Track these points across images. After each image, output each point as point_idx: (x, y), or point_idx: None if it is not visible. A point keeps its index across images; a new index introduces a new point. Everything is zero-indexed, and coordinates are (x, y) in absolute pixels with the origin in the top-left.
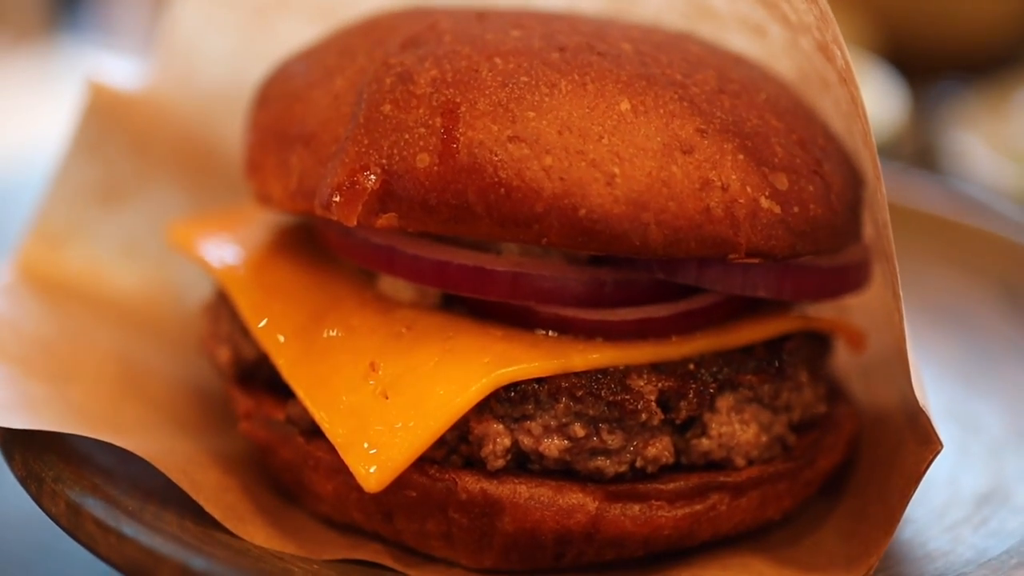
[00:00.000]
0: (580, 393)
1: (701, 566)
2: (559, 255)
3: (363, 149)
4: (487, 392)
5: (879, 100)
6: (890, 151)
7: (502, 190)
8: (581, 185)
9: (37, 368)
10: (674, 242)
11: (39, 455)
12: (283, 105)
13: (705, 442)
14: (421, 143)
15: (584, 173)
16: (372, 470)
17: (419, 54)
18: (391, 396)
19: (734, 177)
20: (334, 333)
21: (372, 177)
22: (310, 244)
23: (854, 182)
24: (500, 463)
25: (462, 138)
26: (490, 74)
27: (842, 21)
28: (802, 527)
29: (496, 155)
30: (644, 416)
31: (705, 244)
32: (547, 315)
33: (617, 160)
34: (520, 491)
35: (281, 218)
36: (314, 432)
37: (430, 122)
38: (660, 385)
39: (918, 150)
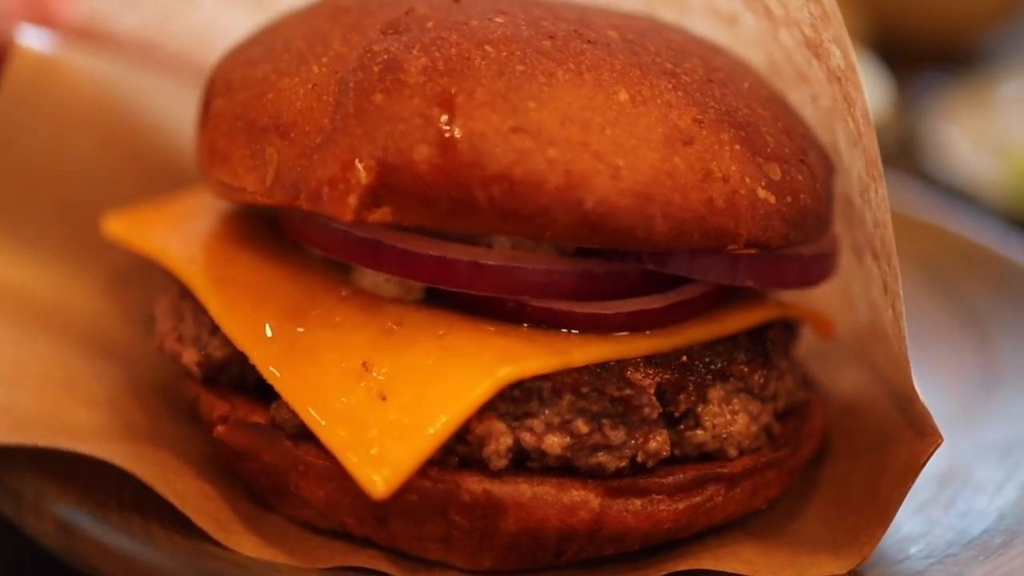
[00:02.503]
0: (585, 389)
1: (696, 557)
2: (550, 248)
3: (355, 141)
4: (496, 390)
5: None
6: None
7: (506, 183)
8: (586, 178)
9: None
10: (678, 235)
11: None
12: (252, 93)
13: (700, 434)
14: (418, 134)
15: (588, 165)
16: (378, 476)
17: (403, 41)
18: (389, 397)
19: (733, 168)
20: (317, 331)
21: (365, 170)
22: (270, 234)
23: (829, 171)
24: (503, 463)
25: (462, 129)
26: (483, 62)
27: None
28: (782, 515)
29: (499, 147)
30: (647, 410)
31: (708, 236)
32: (538, 309)
33: (621, 152)
34: (523, 490)
35: (231, 207)
36: (302, 436)
37: (427, 112)
38: (658, 378)
39: (900, 141)
